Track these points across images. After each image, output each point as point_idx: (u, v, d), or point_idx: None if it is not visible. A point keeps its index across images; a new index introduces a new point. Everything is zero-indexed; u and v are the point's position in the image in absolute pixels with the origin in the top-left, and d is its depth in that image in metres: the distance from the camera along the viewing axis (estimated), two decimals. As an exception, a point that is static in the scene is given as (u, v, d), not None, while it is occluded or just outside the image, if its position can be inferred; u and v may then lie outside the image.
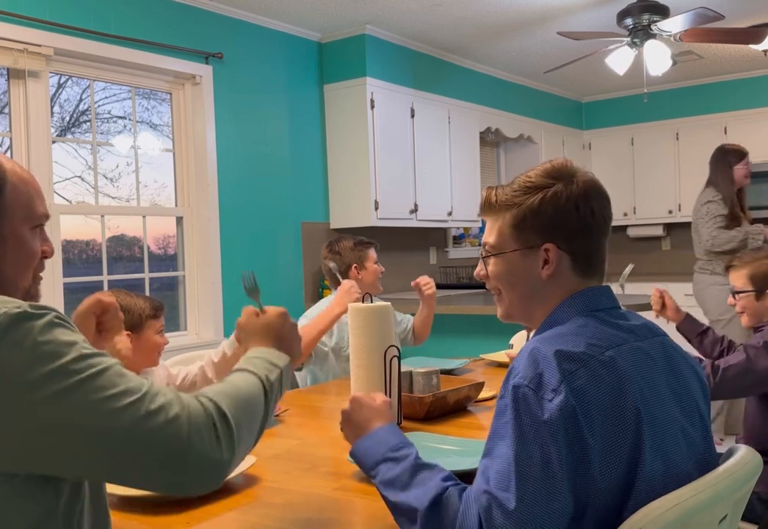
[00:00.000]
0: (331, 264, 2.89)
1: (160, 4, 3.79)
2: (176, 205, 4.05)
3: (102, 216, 3.72)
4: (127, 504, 1.37)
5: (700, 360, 2.06)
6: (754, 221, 4.26)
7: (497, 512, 0.98)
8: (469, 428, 1.89)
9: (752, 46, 4.31)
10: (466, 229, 6.09)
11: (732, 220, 4.05)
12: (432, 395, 1.94)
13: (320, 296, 4.56)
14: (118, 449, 0.87)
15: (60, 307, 3.41)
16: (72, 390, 0.87)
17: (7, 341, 0.87)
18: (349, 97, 4.61)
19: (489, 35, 4.87)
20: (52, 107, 3.51)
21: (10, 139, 3.33)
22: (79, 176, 3.66)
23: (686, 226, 6.69)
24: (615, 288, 2.36)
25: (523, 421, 1.02)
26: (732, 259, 2.33)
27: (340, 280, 2.79)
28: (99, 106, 3.76)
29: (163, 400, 0.90)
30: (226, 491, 1.43)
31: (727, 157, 4.18)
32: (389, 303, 2.01)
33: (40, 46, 3.27)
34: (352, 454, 1.24)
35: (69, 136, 3.67)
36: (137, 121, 3.89)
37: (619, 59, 4.21)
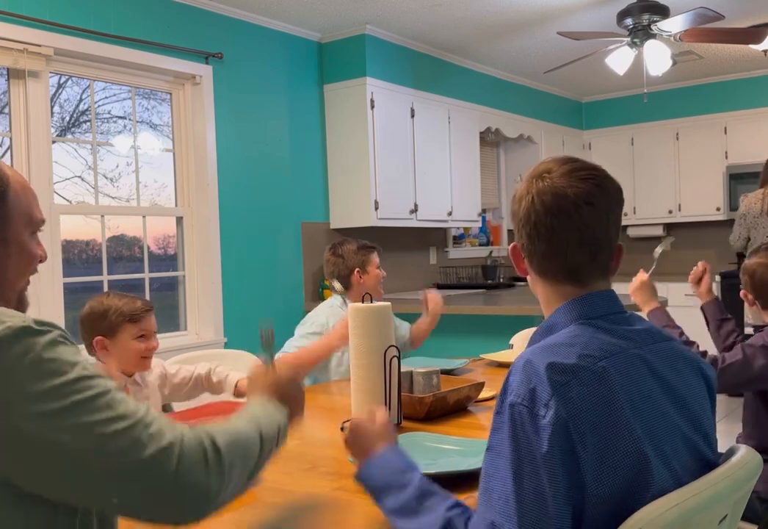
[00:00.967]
0: (336, 286, 2.85)
1: (160, 4, 3.79)
2: (176, 205, 4.05)
3: (102, 216, 3.72)
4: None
5: (704, 354, 2.06)
6: None
7: None
8: (469, 428, 1.89)
9: (752, 46, 4.31)
10: (466, 229, 6.09)
11: None
12: (432, 395, 1.94)
13: (320, 296, 4.56)
14: (105, 474, 0.86)
15: (60, 307, 3.41)
16: (67, 410, 0.86)
17: (10, 354, 0.86)
18: (349, 97, 4.61)
19: (489, 35, 4.87)
20: (52, 107, 3.51)
21: (10, 139, 3.33)
22: (79, 176, 3.66)
23: (686, 226, 6.70)
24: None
25: (521, 445, 1.02)
26: (752, 254, 2.30)
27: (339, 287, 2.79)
28: (99, 106, 3.76)
29: (157, 428, 0.90)
30: (226, 491, 1.43)
31: None
32: (389, 303, 2.01)
33: (40, 46, 3.27)
34: (357, 480, 1.25)
35: (69, 136, 3.67)
36: (137, 121, 3.89)
37: (619, 59, 4.21)
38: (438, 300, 2.98)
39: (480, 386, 2.11)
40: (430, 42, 4.97)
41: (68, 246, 3.61)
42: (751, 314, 2.28)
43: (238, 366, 2.32)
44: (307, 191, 4.63)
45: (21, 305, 1.09)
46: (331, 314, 2.88)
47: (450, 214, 5.20)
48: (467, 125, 5.42)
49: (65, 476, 0.87)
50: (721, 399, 3.74)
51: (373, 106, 4.55)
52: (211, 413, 1.88)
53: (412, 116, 4.87)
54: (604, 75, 5.73)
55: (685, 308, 6.04)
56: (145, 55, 3.72)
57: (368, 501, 1.21)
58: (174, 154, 4.06)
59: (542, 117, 6.36)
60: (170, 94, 4.03)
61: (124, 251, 3.91)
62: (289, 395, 1.27)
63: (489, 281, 5.73)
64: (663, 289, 6.14)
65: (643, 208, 6.60)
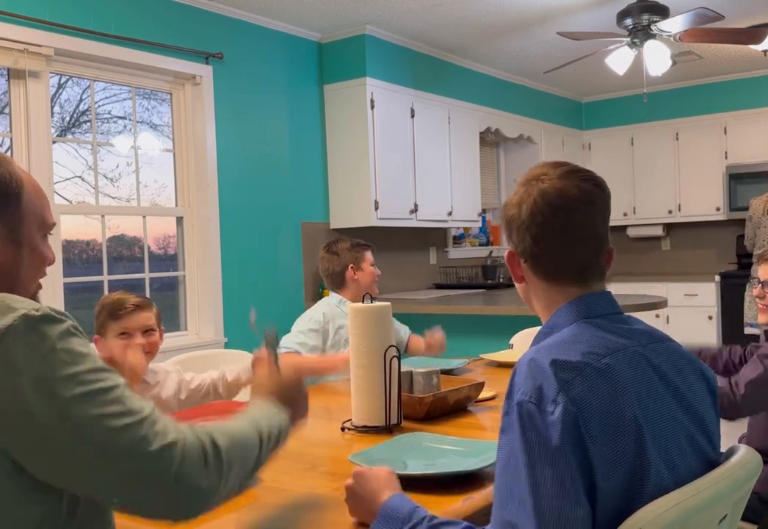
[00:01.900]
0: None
1: (160, 4, 3.79)
2: (176, 205, 4.06)
3: (102, 216, 3.72)
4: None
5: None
6: None
7: None
8: (469, 428, 1.89)
9: (752, 46, 4.31)
10: (466, 229, 6.09)
11: None
12: (432, 395, 1.94)
13: (320, 296, 4.56)
14: (110, 467, 0.88)
15: (60, 307, 3.40)
16: (77, 400, 0.87)
17: (26, 341, 0.87)
18: (349, 97, 4.61)
19: (489, 35, 4.87)
20: (52, 107, 3.51)
21: (11, 139, 3.33)
22: (80, 176, 3.67)
23: (686, 226, 6.70)
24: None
25: (532, 442, 1.02)
26: (765, 252, 2.22)
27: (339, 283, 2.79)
28: (99, 106, 3.76)
29: (162, 426, 0.92)
30: (227, 491, 1.43)
31: None
32: (389, 303, 2.01)
33: (40, 46, 3.27)
34: None
35: (69, 137, 3.67)
36: (137, 122, 3.89)
37: (619, 59, 4.21)
38: (441, 343, 2.92)
39: (480, 386, 2.12)
40: (430, 42, 4.97)
41: (68, 246, 3.61)
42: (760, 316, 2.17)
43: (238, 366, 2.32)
44: (307, 191, 4.63)
45: None
46: (329, 311, 2.90)
47: (450, 214, 5.20)
48: (467, 125, 5.42)
49: (69, 463, 0.88)
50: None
51: (373, 106, 4.55)
52: (212, 412, 1.88)
53: (412, 116, 4.88)
54: (604, 75, 5.73)
55: (685, 307, 6.06)
56: (145, 56, 3.72)
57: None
58: (174, 154, 4.06)
59: (542, 117, 6.36)
60: (170, 94, 4.03)
61: (125, 251, 3.92)
62: (292, 397, 1.27)
63: (489, 281, 5.73)
64: (663, 289, 6.14)
65: (643, 208, 6.60)
